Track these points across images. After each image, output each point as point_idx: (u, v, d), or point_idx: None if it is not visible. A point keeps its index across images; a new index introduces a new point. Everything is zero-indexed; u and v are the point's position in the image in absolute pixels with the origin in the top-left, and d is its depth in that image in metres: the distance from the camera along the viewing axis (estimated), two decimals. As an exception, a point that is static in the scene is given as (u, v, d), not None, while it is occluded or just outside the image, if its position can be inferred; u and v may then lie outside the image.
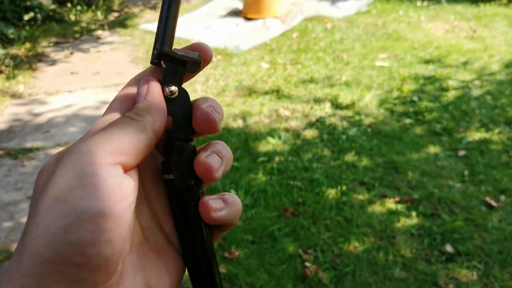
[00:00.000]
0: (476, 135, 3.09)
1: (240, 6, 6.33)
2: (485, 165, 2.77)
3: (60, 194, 0.29)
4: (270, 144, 3.05)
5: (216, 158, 0.38)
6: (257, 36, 5.32)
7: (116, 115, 0.37)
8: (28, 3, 6.14)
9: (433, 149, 2.95)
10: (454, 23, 5.47)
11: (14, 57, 4.96)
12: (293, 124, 3.31)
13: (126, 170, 0.32)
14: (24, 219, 2.47)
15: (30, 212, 0.30)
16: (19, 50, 5.25)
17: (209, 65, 4.38)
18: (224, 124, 3.34)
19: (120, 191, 0.30)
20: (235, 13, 6.21)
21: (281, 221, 2.35)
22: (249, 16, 5.92)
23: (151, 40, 5.48)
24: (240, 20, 5.93)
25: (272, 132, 3.18)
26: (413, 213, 2.37)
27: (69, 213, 0.28)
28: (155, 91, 0.37)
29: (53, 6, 6.52)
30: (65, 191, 0.29)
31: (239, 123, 3.35)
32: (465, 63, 4.26)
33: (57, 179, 0.29)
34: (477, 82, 3.86)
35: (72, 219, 0.28)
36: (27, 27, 6.00)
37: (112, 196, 0.29)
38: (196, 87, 4.02)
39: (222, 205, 0.38)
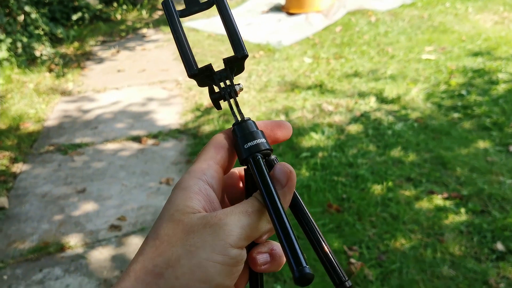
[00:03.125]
0: (528, 130, 2.97)
1: (282, 1, 6.31)
2: (539, 161, 2.66)
3: (204, 262, 0.36)
4: (313, 140, 3.03)
5: (266, 258, 0.42)
6: (299, 31, 5.29)
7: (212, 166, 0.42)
8: (76, 3, 6.31)
9: (482, 144, 2.86)
10: (504, 14, 5.27)
11: (63, 56, 5.12)
12: (337, 119, 3.28)
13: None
14: (74, 213, 2.55)
15: (168, 256, 0.37)
16: (68, 49, 5.41)
17: (252, 61, 4.40)
18: (267, 119, 3.33)
19: (237, 271, 0.38)
20: (277, 8, 6.20)
21: (325, 217, 2.33)
22: (292, 11, 5.89)
23: (194, 37, 5.54)
24: (282, 16, 5.91)
25: (315, 127, 3.16)
26: (462, 210, 2.31)
27: (206, 281, 0.36)
28: (293, 183, 0.41)
29: (100, 6, 6.68)
30: (209, 262, 0.36)
31: (282, 118, 3.35)
32: (516, 55, 4.11)
33: (203, 249, 0.36)
34: (529, 75, 3.71)
35: (206, 287, 0.36)
36: (75, 27, 6.18)
37: (233, 275, 0.38)
38: (239, 83, 4.03)
39: (267, 260, 0.42)
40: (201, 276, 0.35)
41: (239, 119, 0.45)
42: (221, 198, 0.43)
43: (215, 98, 0.46)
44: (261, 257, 0.42)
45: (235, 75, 0.47)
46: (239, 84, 0.47)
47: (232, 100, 0.46)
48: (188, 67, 0.44)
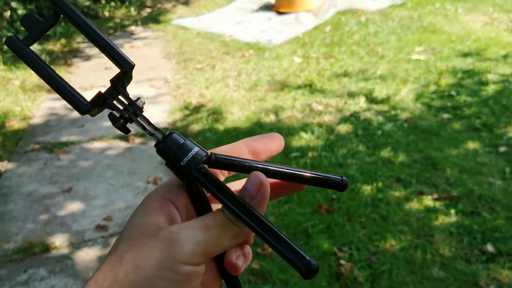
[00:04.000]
0: (517, 131, 2.98)
1: (271, 0, 6.28)
2: (528, 162, 2.66)
3: (150, 278, 0.34)
4: (303, 139, 3.01)
5: (243, 260, 0.41)
6: (289, 30, 5.27)
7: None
8: (64, -1, 6.23)
9: (472, 145, 2.86)
10: (493, 15, 5.30)
11: (50, 53, 5.05)
12: (327, 118, 3.26)
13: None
14: (59, 212, 2.51)
15: (117, 271, 0.34)
16: (55, 46, 5.34)
17: (241, 60, 4.37)
18: (256, 118, 3.32)
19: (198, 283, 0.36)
20: (267, 7, 6.17)
21: (315, 218, 2.31)
22: (281, 10, 5.87)
23: (183, 35, 5.50)
24: (272, 14, 5.89)
25: (305, 127, 3.14)
26: (452, 211, 2.30)
27: None
28: (265, 195, 0.39)
29: (87, 3, 6.61)
30: (155, 277, 0.34)
31: (271, 118, 3.32)
32: (505, 56, 4.12)
33: (150, 264, 0.34)
34: (518, 76, 3.73)
35: None
36: (63, 23, 6.10)
37: None
38: (228, 82, 4.00)
39: (243, 261, 0.41)
40: None
41: (159, 136, 0.40)
42: (186, 218, 0.40)
43: (121, 125, 0.40)
44: (240, 261, 0.40)
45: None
46: (139, 98, 0.41)
47: (140, 118, 0.41)
48: (77, 104, 0.39)
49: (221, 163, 0.40)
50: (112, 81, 0.40)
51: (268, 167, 0.41)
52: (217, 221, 0.36)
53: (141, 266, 0.34)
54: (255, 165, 0.41)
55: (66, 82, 0.40)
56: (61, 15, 0.40)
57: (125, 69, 0.40)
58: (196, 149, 0.39)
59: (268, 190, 0.38)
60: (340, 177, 0.44)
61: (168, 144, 0.39)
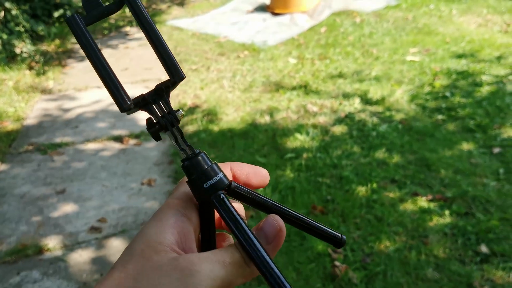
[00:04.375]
0: (511, 132, 2.98)
1: (267, 1, 6.28)
2: (522, 163, 2.67)
3: None
4: (298, 140, 3.01)
5: None
6: (284, 31, 5.27)
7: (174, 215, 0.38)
8: (58, 0, 6.21)
9: (466, 146, 2.87)
10: (487, 17, 5.31)
11: (44, 54, 5.03)
12: (322, 120, 3.26)
13: None
14: (53, 214, 2.49)
15: None
16: (49, 47, 5.32)
17: (236, 61, 4.37)
18: (251, 120, 3.31)
19: None
20: (262, 8, 6.17)
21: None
22: (277, 11, 5.87)
23: (178, 36, 5.49)
24: (267, 16, 5.89)
25: (300, 128, 3.14)
26: (446, 212, 2.30)
27: None
28: (281, 240, 0.39)
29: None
30: None
31: (266, 119, 3.32)
32: (499, 58, 4.13)
33: None
34: (511, 77, 3.73)
35: None
36: (57, 24, 6.08)
37: None
38: (223, 83, 4.00)
39: None
40: None
41: (189, 152, 0.40)
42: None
43: (155, 131, 0.40)
44: None
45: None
46: (179, 110, 0.41)
47: (175, 129, 0.41)
48: (120, 101, 0.39)
49: (239, 194, 0.41)
50: (158, 87, 0.40)
51: (284, 211, 0.43)
52: (234, 259, 0.36)
53: None
54: (272, 205, 0.42)
55: (115, 75, 0.39)
56: (125, 5, 0.40)
57: (175, 79, 0.40)
58: (221, 175, 0.39)
59: (284, 236, 0.39)
60: (340, 234, 0.45)
61: (195, 163, 0.39)
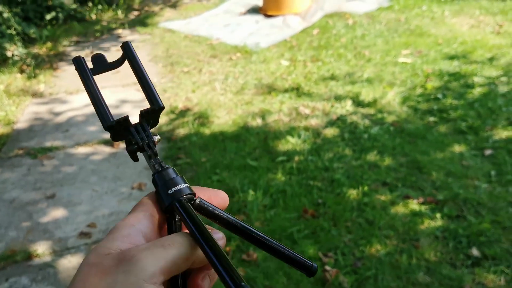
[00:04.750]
0: (503, 134, 2.98)
1: (259, 3, 6.27)
2: (513, 165, 2.67)
3: None
4: (289, 143, 3.00)
5: (208, 282, 0.42)
6: (277, 33, 5.26)
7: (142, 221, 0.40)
8: (50, 2, 6.18)
9: (458, 148, 2.86)
10: (480, 18, 5.32)
11: (35, 57, 5.00)
12: (313, 122, 3.25)
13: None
14: (42, 219, 2.47)
15: None
16: (41, 50, 5.29)
17: (229, 63, 4.36)
18: (243, 122, 3.30)
19: None
20: (254, 10, 6.16)
21: (301, 223, 2.29)
22: (269, 13, 5.86)
23: (170, 38, 5.47)
24: (259, 17, 5.88)
25: (291, 131, 3.13)
26: (438, 215, 2.29)
27: None
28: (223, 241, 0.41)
29: (74, 6, 6.56)
30: None
31: (258, 121, 3.31)
32: (491, 59, 4.14)
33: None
34: (504, 79, 3.74)
35: None
36: (49, 27, 6.05)
37: None
38: (215, 86, 3.98)
39: (209, 282, 0.42)
40: None
41: (158, 168, 0.44)
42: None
43: (132, 150, 0.45)
44: (206, 282, 0.41)
45: (150, 128, 0.47)
46: (156, 135, 0.46)
47: (151, 152, 0.45)
48: (104, 119, 0.43)
49: (205, 209, 0.43)
50: (142, 112, 0.45)
51: (248, 230, 0.43)
52: (173, 241, 0.37)
53: None
54: (235, 223, 0.43)
55: (103, 99, 0.45)
56: (126, 61, 0.47)
57: (154, 107, 0.45)
58: (185, 185, 0.43)
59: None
60: (311, 263, 0.45)
61: (164, 175, 0.43)
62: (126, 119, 0.44)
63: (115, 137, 0.45)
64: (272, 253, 0.44)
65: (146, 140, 0.45)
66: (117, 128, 0.44)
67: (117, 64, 0.47)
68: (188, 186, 0.43)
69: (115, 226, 0.39)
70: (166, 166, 0.44)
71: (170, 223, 0.42)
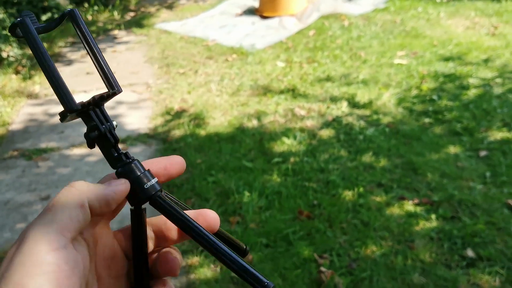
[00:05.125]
0: (498, 135, 2.99)
1: (256, 4, 6.28)
2: (508, 166, 2.67)
3: (21, 283, 0.30)
4: (285, 145, 2.99)
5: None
6: (273, 34, 5.27)
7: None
8: (46, 3, 6.16)
9: (453, 150, 2.87)
10: (475, 20, 5.34)
11: (30, 58, 4.98)
12: (309, 123, 3.25)
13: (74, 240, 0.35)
14: (37, 221, 2.46)
15: None
16: (36, 51, 5.26)
17: (224, 64, 4.36)
18: (239, 124, 3.30)
19: (74, 274, 0.33)
20: (250, 11, 6.16)
21: (296, 224, 2.29)
22: (265, 14, 5.87)
23: (166, 39, 5.47)
24: (255, 19, 5.88)
25: (287, 132, 3.13)
26: (433, 216, 2.30)
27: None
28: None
29: (70, 6, 6.54)
30: (26, 279, 0.30)
31: (254, 123, 3.31)
32: (486, 61, 4.15)
33: (15, 271, 0.31)
34: (498, 80, 3.75)
35: None
36: (44, 28, 6.02)
37: (69, 280, 0.32)
38: (211, 87, 3.98)
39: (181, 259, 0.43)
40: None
41: (124, 159, 0.42)
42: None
43: (93, 137, 0.41)
44: (180, 259, 0.43)
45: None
46: (113, 121, 0.43)
47: (111, 137, 0.42)
48: (68, 100, 0.39)
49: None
50: (99, 96, 0.42)
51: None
52: (63, 194, 0.37)
53: (10, 277, 0.31)
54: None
55: (62, 80, 0.40)
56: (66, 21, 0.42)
57: (116, 91, 0.43)
58: (155, 180, 0.42)
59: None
60: (245, 246, 0.47)
61: (132, 168, 0.41)
62: (86, 104, 0.41)
63: (65, 120, 0.41)
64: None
65: (107, 125, 0.42)
66: (79, 112, 0.41)
67: (54, 25, 0.42)
68: (157, 181, 0.42)
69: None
70: (132, 156, 0.42)
71: (139, 214, 0.41)
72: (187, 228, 0.39)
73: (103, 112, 0.42)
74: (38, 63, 0.39)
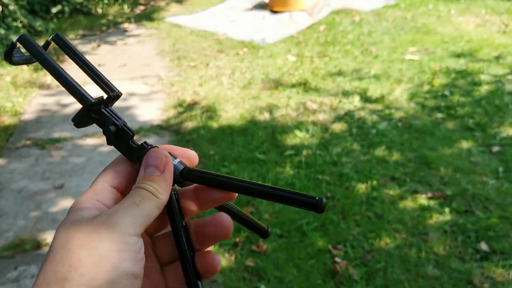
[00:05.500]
0: (510, 131, 2.99)
1: (266, -1, 6.28)
2: (521, 162, 2.67)
3: (106, 253, 0.36)
4: (297, 138, 3.00)
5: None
6: (283, 29, 5.27)
7: (108, 190, 0.43)
8: (56, -4, 6.19)
9: (466, 145, 2.87)
10: (486, 17, 5.32)
11: (42, 49, 5.00)
12: (321, 117, 3.26)
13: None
14: (51, 209, 2.48)
15: (67, 261, 0.35)
16: (47, 42, 5.28)
17: (235, 58, 4.36)
18: (251, 116, 3.31)
19: (141, 258, 0.38)
20: (261, 6, 6.16)
21: (310, 215, 2.30)
22: (276, 9, 5.86)
23: (177, 33, 5.47)
24: (266, 13, 5.88)
25: (299, 125, 3.13)
26: (446, 210, 2.30)
27: (113, 270, 0.35)
28: (171, 167, 0.43)
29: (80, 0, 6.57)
30: (111, 251, 0.36)
31: (265, 116, 3.31)
32: (497, 58, 4.14)
33: (101, 243, 0.36)
34: (510, 77, 3.74)
35: (115, 275, 0.35)
36: (55, 20, 6.06)
37: (139, 262, 0.38)
38: (222, 80, 3.99)
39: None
40: (107, 267, 0.35)
41: (147, 146, 0.44)
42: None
43: (112, 132, 0.43)
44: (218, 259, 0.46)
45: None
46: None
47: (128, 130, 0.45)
48: (85, 96, 0.41)
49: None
50: (107, 97, 0.44)
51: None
52: (141, 197, 0.40)
53: (92, 248, 0.35)
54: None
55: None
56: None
57: (118, 93, 0.45)
58: (177, 160, 0.44)
59: (171, 162, 0.43)
60: (267, 227, 0.48)
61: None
62: (104, 98, 0.43)
63: (80, 123, 0.43)
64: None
65: (123, 120, 0.44)
66: (91, 110, 0.42)
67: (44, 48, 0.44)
68: (180, 161, 0.44)
69: (76, 201, 0.41)
70: (151, 144, 0.44)
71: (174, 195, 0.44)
72: (226, 184, 0.42)
73: (113, 111, 0.44)
74: (48, 71, 0.41)
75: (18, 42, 0.41)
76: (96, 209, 0.40)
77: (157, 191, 0.41)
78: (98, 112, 0.43)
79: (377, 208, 2.33)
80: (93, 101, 0.41)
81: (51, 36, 0.44)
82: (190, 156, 0.46)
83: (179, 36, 5.34)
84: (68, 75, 0.41)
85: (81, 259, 0.35)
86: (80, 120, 0.42)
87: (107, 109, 0.44)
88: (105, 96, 0.44)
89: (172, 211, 0.44)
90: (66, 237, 0.37)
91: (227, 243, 2.15)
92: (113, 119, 0.43)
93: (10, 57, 0.42)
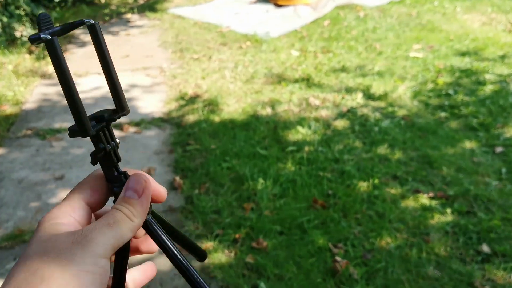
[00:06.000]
0: (514, 132, 2.97)
1: (270, -8, 6.23)
2: (524, 163, 2.66)
3: (77, 273, 0.36)
4: (299, 134, 2.98)
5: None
6: (287, 23, 5.23)
7: (81, 206, 0.43)
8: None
9: (469, 145, 2.85)
10: (492, 16, 5.29)
11: (44, 38, 4.97)
12: (324, 113, 3.24)
13: None
14: (51, 200, 2.47)
15: (40, 272, 0.36)
16: (49, 31, 5.25)
17: (238, 51, 4.34)
18: (253, 111, 3.29)
19: (106, 282, 0.39)
20: (265, -1, 6.12)
21: (311, 213, 2.29)
22: (280, 2, 5.82)
23: (180, 25, 5.44)
24: (270, 7, 5.84)
25: (301, 121, 3.11)
26: (448, 210, 2.29)
27: None
28: (149, 193, 0.44)
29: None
30: (82, 272, 0.37)
31: (268, 111, 3.29)
32: (502, 57, 4.11)
33: (74, 261, 0.37)
34: (515, 77, 3.72)
35: None
36: (58, 9, 6.02)
37: (104, 286, 0.38)
38: (224, 73, 3.96)
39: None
40: (75, 286, 0.36)
41: (124, 180, 0.44)
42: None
43: (100, 157, 0.43)
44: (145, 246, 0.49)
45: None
46: (116, 139, 0.44)
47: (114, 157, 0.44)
48: (85, 125, 0.40)
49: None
50: (110, 118, 0.43)
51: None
52: (115, 218, 0.40)
53: (65, 265, 0.36)
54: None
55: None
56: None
57: (125, 113, 0.44)
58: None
59: (151, 188, 0.44)
60: (204, 251, 0.52)
61: None
62: (103, 125, 0.42)
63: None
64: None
65: (112, 145, 0.43)
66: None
67: (68, 29, 0.42)
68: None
69: (51, 212, 0.41)
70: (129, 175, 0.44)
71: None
72: (171, 257, 0.44)
73: (110, 131, 0.43)
74: (60, 83, 0.39)
75: (43, 38, 0.39)
76: (72, 226, 0.41)
77: (132, 214, 0.42)
78: (96, 135, 0.42)
79: (378, 207, 2.32)
80: (90, 133, 0.40)
81: (89, 21, 0.42)
82: (160, 193, 0.47)
83: (182, 28, 5.31)
84: (79, 98, 0.40)
85: (54, 274, 0.36)
86: (74, 136, 0.41)
87: (105, 129, 0.42)
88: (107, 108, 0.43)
89: (150, 233, 0.45)
90: (43, 248, 0.38)
91: (227, 239, 2.15)
92: (105, 145, 0.42)
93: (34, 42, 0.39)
